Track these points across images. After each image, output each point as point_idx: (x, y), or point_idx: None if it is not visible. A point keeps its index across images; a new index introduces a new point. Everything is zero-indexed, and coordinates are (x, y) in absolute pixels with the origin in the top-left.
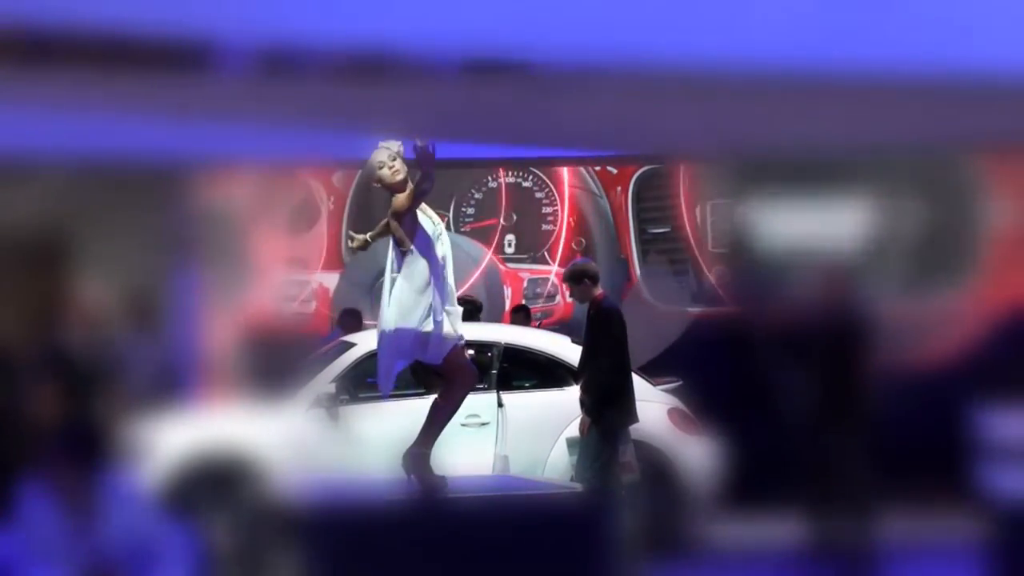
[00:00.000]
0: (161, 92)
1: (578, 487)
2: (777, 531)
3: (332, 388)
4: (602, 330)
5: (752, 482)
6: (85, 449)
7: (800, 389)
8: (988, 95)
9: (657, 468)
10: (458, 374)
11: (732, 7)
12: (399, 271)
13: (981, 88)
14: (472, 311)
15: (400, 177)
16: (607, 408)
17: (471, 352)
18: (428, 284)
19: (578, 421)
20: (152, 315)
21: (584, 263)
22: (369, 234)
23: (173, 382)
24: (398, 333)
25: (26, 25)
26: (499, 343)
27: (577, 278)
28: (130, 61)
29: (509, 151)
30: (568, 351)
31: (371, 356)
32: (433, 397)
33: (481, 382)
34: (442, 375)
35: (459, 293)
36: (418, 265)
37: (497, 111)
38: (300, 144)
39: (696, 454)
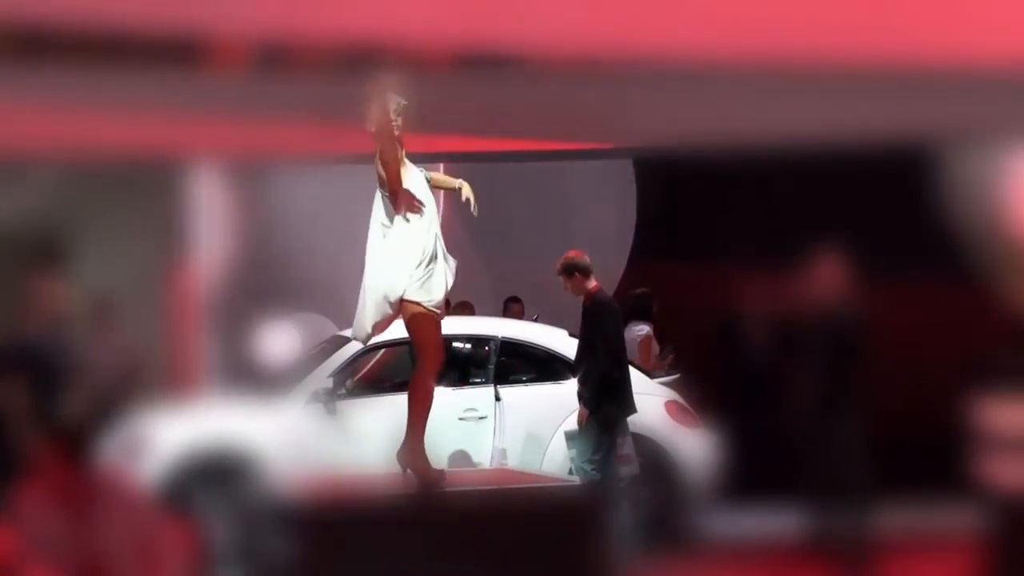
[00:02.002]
0: (156, 88)
1: (576, 480)
2: (775, 523)
3: (329, 383)
4: (596, 322)
5: (751, 474)
6: (78, 445)
7: (798, 381)
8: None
9: (655, 461)
10: (428, 349)
11: None
12: (391, 221)
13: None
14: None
15: (397, 133)
16: (604, 400)
17: (468, 346)
18: (425, 230)
19: (575, 414)
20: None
21: (576, 256)
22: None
23: (164, 379)
24: (395, 268)
25: (22, 20)
26: (496, 337)
27: (569, 271)
28: (126, 57)
29: (504, 145)
30: (565, 344)
31: (368, 351)
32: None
33: (478, 376)
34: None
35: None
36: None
37: (492, 105)
38: (295, 139)
39: (694, 447)
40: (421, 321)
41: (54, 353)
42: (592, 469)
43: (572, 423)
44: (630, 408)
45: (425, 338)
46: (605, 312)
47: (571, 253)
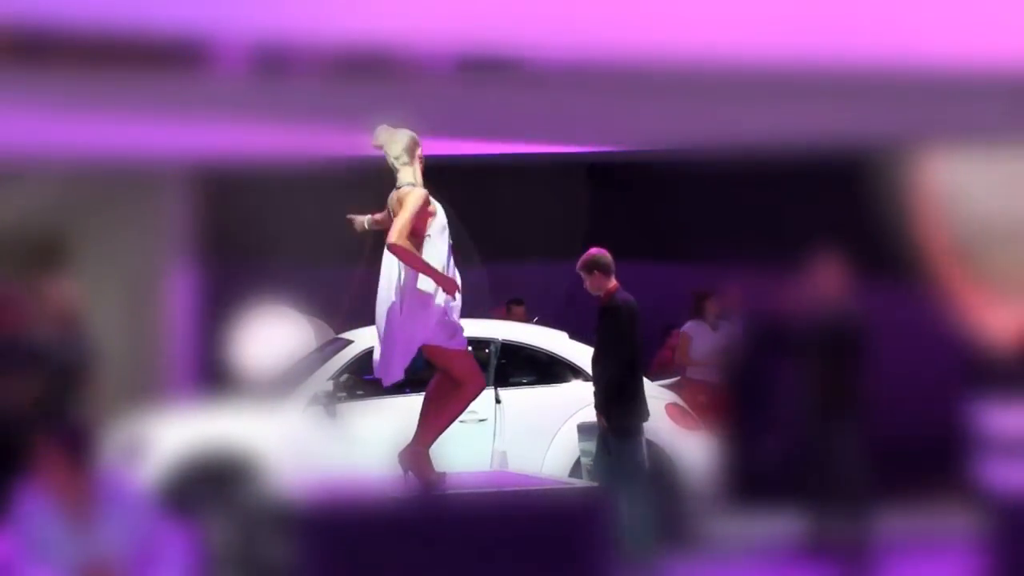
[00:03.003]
0: (157, 90)
1: (576, 483)
2: (775, 526)
3: (329, 386)
4: (610, 324)
5: (750, 477)
6: (78, 447)
7: (797, 384)
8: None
9: (656, 464)
10: (470, 378)
11: (724, 3)
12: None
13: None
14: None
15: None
16: (615, 405)
17: (469, 348)
18: (444, 269)
19: (575, 416)
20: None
21: (596, 253)
22: (369, 219)
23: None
24: (416, 318)
25: (23, 24)
26: (496, 339)
27: (589, 268)
28: (128, 59)
29: (505, 148)
30: (566, 347)
31: (368, 353)
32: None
33: None
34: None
35: None
36: (435, 249)
37: (493, 108)
38: (295, 141)
39: (694, 449)
40: (453, 356)
41: (59, 353)
42: (605, 473)
43: (573, 425)
44: (642, 414)
45: (462, 370)
46: (619, 313)
47: (593, 250)
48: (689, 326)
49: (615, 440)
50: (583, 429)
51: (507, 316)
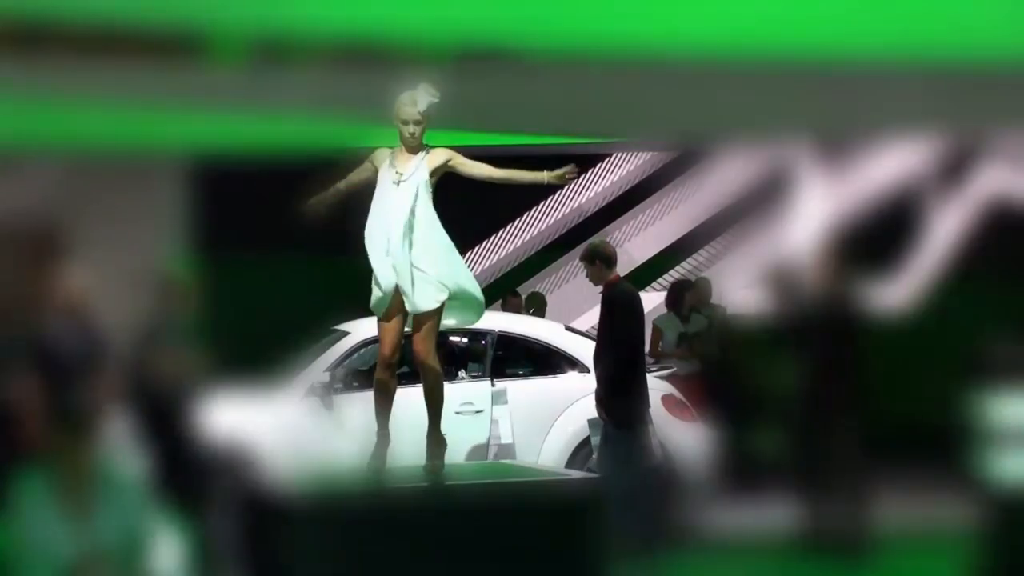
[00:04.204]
0: (156, 81)
1: (573, 474)
2: (772, 518)
3: (326, 377)
4: (610, 316)
5: (747, 469)
6: (78, 438)
7: (795, 376)
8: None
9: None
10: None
11: None
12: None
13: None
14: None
15: (415, 143)
16: (614, 397)
17: (465, 339)
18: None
19: (571, 406)
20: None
21: (598, 243)
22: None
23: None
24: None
25: (20, 14)
26: (493, 331)
27: (590, 258)
28: (126, 50)
29: (504, 140)
30: (562, 338)
31: (365, 345)
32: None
33: (475, 370)
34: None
35: None
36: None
37: (492, 100)
38: (294, 133)
39: (690, 440)
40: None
41: (67, 346)
42: (611, 468)
43: (569, 417)
44: (641, 405)
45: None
46: (616, 305)
47: (595, 240)
48: (660, 319)
49: (614, 432)
50: (595, 424)
51: (503, 307)
